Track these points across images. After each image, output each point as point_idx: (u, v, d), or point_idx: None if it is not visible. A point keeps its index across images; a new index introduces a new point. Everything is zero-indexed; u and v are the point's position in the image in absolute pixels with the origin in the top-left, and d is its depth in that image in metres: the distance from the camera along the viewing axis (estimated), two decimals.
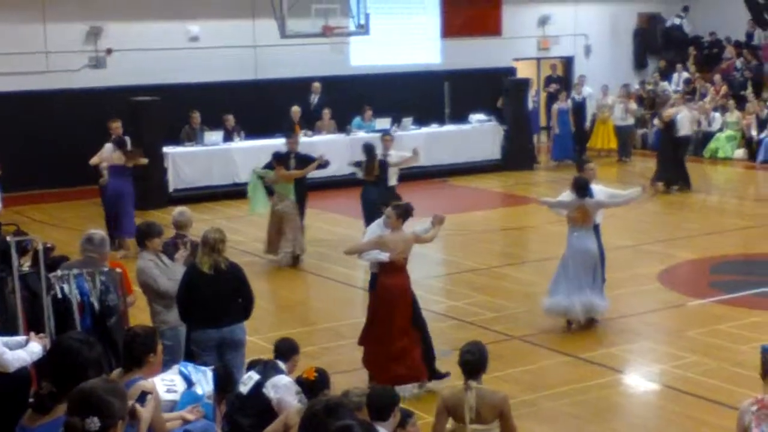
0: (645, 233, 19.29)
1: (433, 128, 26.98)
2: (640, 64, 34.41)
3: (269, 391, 8.44)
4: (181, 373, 7.37)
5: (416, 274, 11.67)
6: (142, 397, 5.77)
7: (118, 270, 10.23)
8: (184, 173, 23.51)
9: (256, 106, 25.98)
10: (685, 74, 32.11)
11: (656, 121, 27.52)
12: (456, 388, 8.00)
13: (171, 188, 23.26)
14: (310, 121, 25.27)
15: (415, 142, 22.96)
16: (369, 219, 17.42)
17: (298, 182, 17.50)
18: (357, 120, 25.90)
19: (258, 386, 8.50)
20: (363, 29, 24.18)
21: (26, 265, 9.83)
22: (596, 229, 13.59)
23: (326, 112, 25.57)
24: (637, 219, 19.79)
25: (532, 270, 17.06)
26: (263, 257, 17.44)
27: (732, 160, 28.10)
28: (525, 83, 28.76)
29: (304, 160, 17.64)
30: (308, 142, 23.29)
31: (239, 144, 24.29)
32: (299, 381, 8.16)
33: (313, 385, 7.94)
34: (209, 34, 26.48)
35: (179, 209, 12.20)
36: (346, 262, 17.02)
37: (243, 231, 19.30)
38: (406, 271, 11.32)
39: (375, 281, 11.60)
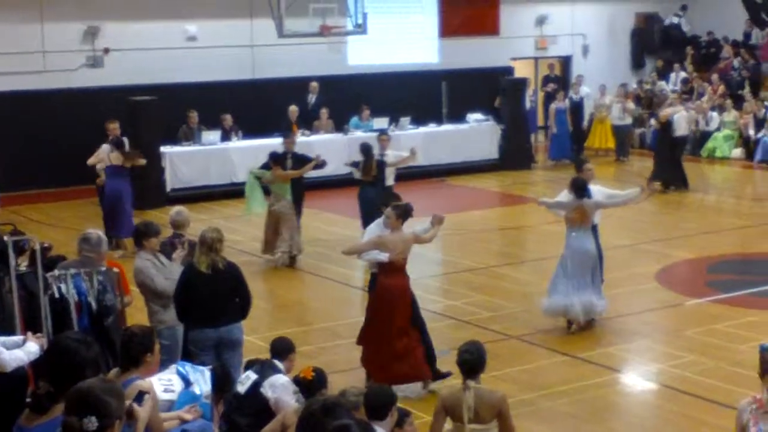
0: (642, 233, 19.29)
1: (431, 128, 26.98)
2: (637, 63, 34.40)
3: (267, 390, 8.44)
4: (179, 373, 7.36)
5: (414, 274, 11.67)
6: (140, 396, 5.77)
7: (116, 270, 10.23)
8: (181, 173, 23.50)
9: (254, 105, 25.98)
10: (683, 74, 32.11)
11: (653, 121, 27.55)
12: (454, 387, 8.00)
13: (168, 188, 23.25)
14: (308, 121, 25.26)
15: (413, 141, 22.95)
16: (366, 219, 17.41)
17: (295, 182, 17.48)
18: (355, 119, 25.90)
19: (255, 386, 8.50)
20: (361, 29, 24.18)
21: (23, 264, 9.82)
22: (594, 229, 13.58)
23: (324, 112, 25.56)
24: (635, 218, 19.79)
25: (530, 269, 17.07)
26: (261, 257, 17.44)
27: (729, 160, 28.11)
28: (522, 83, 28.77)
29: (301, 160, 17.62)
30: (306, 141, 23.28)
31: (237, 143, 24.28)
32: (296, 380, 8.16)
33: (310, 385, 7.93)
34: (207, 34, 26.47)
35: (176, 209, 12.21)
36: (344, 262, 17.02)
37: (241, 230, 19.29)
38: (405, 272, 11.32)
39: (374, 281, 11.61)
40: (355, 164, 18.01)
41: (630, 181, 23.88)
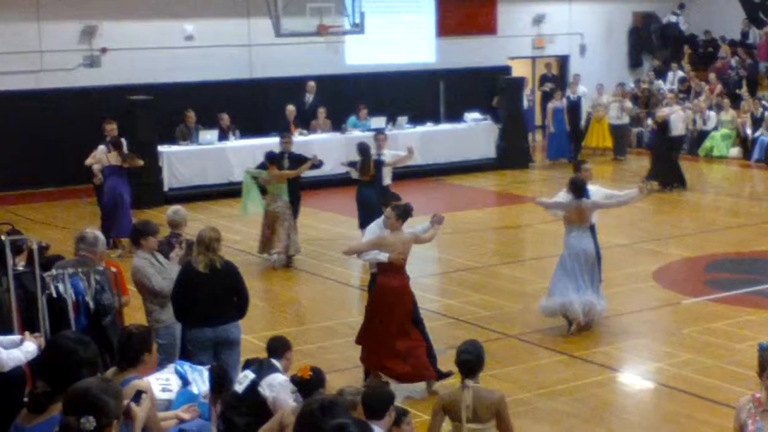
0: (640, 232, 19.31)
1: (429, 127, 26.98)
2: (634, 62, 34.43)
3: (264, 390, 8.43)
4: (177, 372, 7.36)
5: (412, 273, 11.65)
6: (137, 396, 5.76)
7: (113, 269, 10.23)
8: (179, 172, 23.49)
9: (251, 105, 25.99)
10: (680, 73, 32.14)
11: (650, 121, 27.57)
12: (453, 387, 8.00)
13: (166, 187, 23.24)
14: (306, 120, 25.26)
15: (411, 140, 22.93)
16: (364, 219, 17.43)
17: (292, 182, 17.45)
18: (352, 119, 25.90)
19: (253, 385, 8.49)
20: (358, 28, 24.17)
21: (21, 264, 9.81)
22: (592, 229, 13.58)
23: (321, 111, 25.56)
24: (633, 217, 19.80)
25: (528, 268, 17.08)
26: (258, 256, 17.43)
27: (727, 159, 28.14)
28: (520, 82, 28.77)
29: (298, 160, 17.61)
30: (303, 141, 23.31)
31: (234, 143, 24.28)
32: (294, 380, 8.15)
33: (307, 384, 7.92)
34: (204, 33, 26.47)
35: (174, 208, 12.20)
36: (341, 261, 17.03)
37: (238, 230, 19.30)
38: (405, 272, 11.31)
39: (374, 281, 11.60)
40: (352, 164, 18.00)
41: (627, 180, 23.90)
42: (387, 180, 18.19)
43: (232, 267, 10.23)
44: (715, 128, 28.72)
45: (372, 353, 11.34)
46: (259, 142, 22.57)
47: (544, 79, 31.50)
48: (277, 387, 8.40)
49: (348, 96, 26.68)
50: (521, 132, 27.80)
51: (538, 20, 32.21)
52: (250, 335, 12.13)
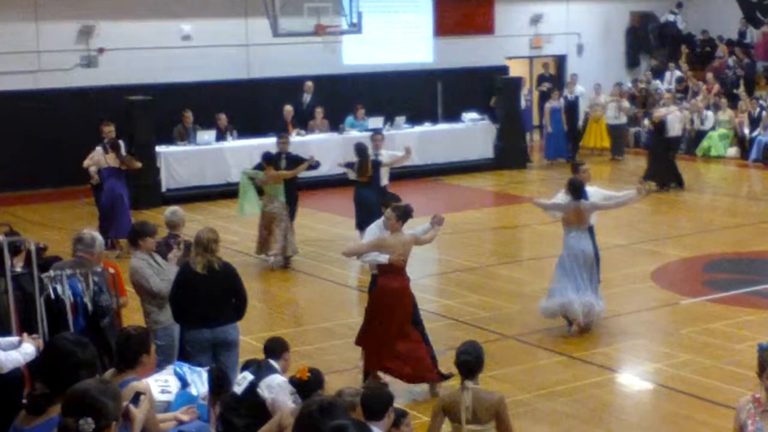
0: (638, 232, 19.31)
1: (426, 127, 26.97)
2: (632, 62, 34.44)
3: (263, 391, 8.42)
4: (176, 374, 7.35)
5: (410, 274, 11.63)
6: (136, 397, 5.75)
7: (111, 270, 10.21)
8: (177, 173, 23.47)
9: (249, 105, 25.98)
10: (678, 73, 32.15)
11: (646, 122, 27.57)
12: (453, 388, 8.00)
13: (164, 188, 23.22)
14: (303, 121, 25.25)
15: (408, 140, 22.93)
16: (362, 219, 17.43)
17: (289, 183, 17.41)
18: (350, 119, 25.89)
19: (252, 386, 8.48)
20: (355, 28, 24.16)
21: (19, 265, 9.79)
22: (591, 230, 13.56)
23: (319, 111, 25.55)
24: (631, 218, 19.80)
25: (526, 269, 17.08)
26: (256, 257, 17.42)
27: (724, 159, 28.15)
28: (518, 82, 28.75)
29: (295, 161, 17.58)
30: (301, 141, 23.30)
31: (232, 143, 24.25)
32: (292, 381, 8.14)
33: (306, 385, 7.91)
34: (201, 33, 26.45)
35: (171, 209, 12.19)
36: (339, 262, 17.02)
37: (236, 231, 19.28)
38: (405, 273, 11.30)
39: (374, 282, 11.59)
40: (349, 165, 17.98)
41: (625, 180, 23.92)
42: (384, 180, 18.17)
43: (231, 268, 10.22)
44: (713, 128, 28.73)
45: (372, 354, 11.33)
46: (257, 143, 22.55)
47: (541, 78, 31.49)
48: (276, 388, 8.39)
49: (345, 96, 26.68)
50: (519, 132, 27.79)
51: (536, 20, 32.22)
52: (248, 336, 12.11)
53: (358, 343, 11.59)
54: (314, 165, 17.78)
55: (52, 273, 9.64)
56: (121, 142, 18.64)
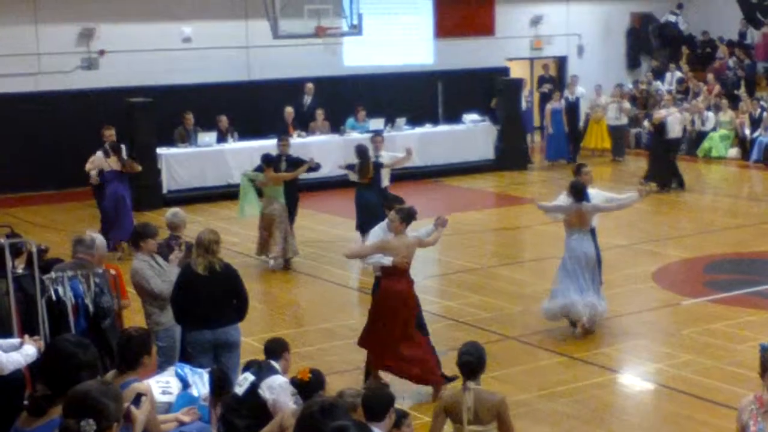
0: (639, 233, 19.31)
1: (427, 128, 26.97)
2: (633, 63, 34.43)
3: (264, 391, 8.42)
4: (178, 375, 7.35)
5: (411, 275, 11.63)
6: (137, 399, 5.75)
7: (113, 272, 10.22)
8: (177, 175, 23.47)
9: (250, 107, 25.99)
10: (678, 73, 32.14)
11: (646, 123, 27.56)
12: (454, 389, 8.01)
13: (165, 190, 23.22)
14: (304, 122, 25.26)
15: (409, 142, 22.92)
16: (364, 221, 17.45)
17: (289, 185, 17.39)
18: (350, 120, 25.89)
19: (253, 387, 8.48)
20: (356, 29, 24.15)
21: (20, 267, 9.80)
22: (593, 232, 13.55)
23: (320, 113, 25.55)
24: (632, 218, 19.79)
25: (527, 270, 17.08)
26: (257, 258, 17.42)
27: (725, 160, 28.13)
28: (518, 83, 28.74)
29: (295, 163, 17.57)
30: (302, 143, 23.32)
31: (233, 145, 24.25)
32: (293, 382, 8.14)
33: (307, 386, 7.91)
34: (202, 35, 26.45)
35: (172, 210, 12.21)
36: (340, 264, 17.03)
37: (237, 232, 19.29)
38: (409, 275, 11.30)
39: (378, 284, 11.59)
40: (350, 167, 17.97)
41: (626, 181, 23.93)
42: (385, 182, 18.18)
43: (232, 269, 10.23)
44: (714, 129, 28.72)
45: (375, 356, 11.32)
46: (258, 144, 22.56)
47: (542, 80, 31.50)
48: (277, 389, 8.39)
49: (346, 98, 26.69)
50: (520, 133, 27.79)
51: (536, 21, 32.21)
52: (249, 338, 12.11)
53: (361, 344, 11.57)
54: (314, 167, 17.77)
55: (53, 275, 9.65)
56: (123, 146, 18.67)
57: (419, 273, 15.71)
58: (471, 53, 30.15)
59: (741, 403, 6.81)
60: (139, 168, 18.69)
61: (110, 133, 18.67)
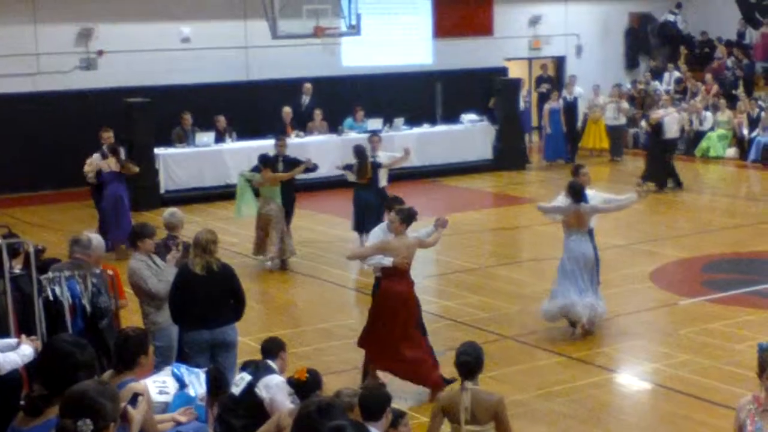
0: (637, 232, 19.30)
1: (425, 128, 26.96)
2: (631, 63, 34.43)
3: (261, 390, 8.43)
4: (174, 375, 7.35)
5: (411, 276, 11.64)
6: (134, 398, 5.76)
7: (110, 272, 10.23)
8: (175, 175, 23.47)
9: (248, 107, 25.97)
10: (677, 73, 32.14)
11: (643, 123, 27.56)
12: (452, 389, 8.01)
13: (163, 189, 23.21)
14: (302, 122, 25.25)
15: (407, 142, 22.93)
16: (363, 221, 17.46)
17: (286, 186, 17.36)
18: (349, 120, 25.88)
19: (250, 387, 8.48)
20: (354, 30, 24.14)
21: (18, 267, 9.80)
22: (591, 233, 13.54)
23: (318, 113, 25.54)
24: (629, 218, 19.76)
25: (525, 270, 17.08)
26: (255, 258, 17.41)
27: (723, 159, 28.14)
28: (516, 83, 28.75)
29: (292, 164, 17.54)
30: (300, 143, 23.33)
31: (231, 145, 24.23)
32: (290, 382, 8.14)
33: (304, 386, 7.92)
34: (200, 35, 26.45)
35: (170, 210, 12.21)
36: (338, 264, 17.03)
37: (235, 232, 19.28)
38: (409, 276, 11.30)
39: (378, 285, 11.59)
40: (348, 167, 17.96)
41: (624, 181, 23.92)
42: (383, 182, 18.17)
43: (229, 269, 10.23)
44: (712, 129, 28.73)
45: (375, 357, 11.30)
46: (256, 144, 22.52)
47: (540, 80, 31.48)
48: (274, 388, 8.39)
49: (345, 98, 26.68)
50: (518, 133, 27.79)
51: (535, 21, 32.21)
52: (247, 337, 12.11)
53: (361, 344, 11.57)
54: (311, 168, 17.74)
55: (50, 275, 9.65)
56: (122, 149, 18.67)
57: (417, 273, 15.69)
58: (469, 53, 30.15)
59: (739, 403, 6.82)
60: (137, 170, 18.67)
61: (108, 136, 18.69)
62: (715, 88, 30.27)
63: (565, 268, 13.19)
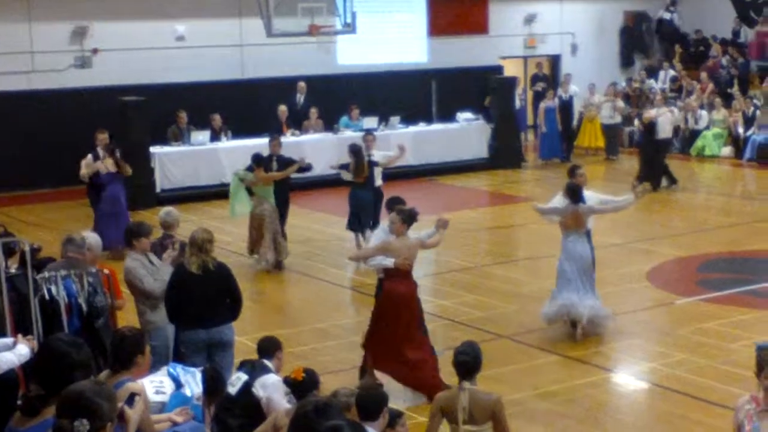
0: (633, 231, 19.30)
1: (421, 127, 26.97)
2: (626, 62, 34.45)
3: (258, 390, 8.42)
4: (170, 375, 7.33)
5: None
6: (131, 398, 5.75)
7: (106, 271, 10.21)
8: (171, 173, 23.45)
9: (243, 105, 25.95)
10: (672, 72, 32.16)
11: (636, 122, 27.58)
12: (450, 389, 8.01)
13: (158, 188, 23.20)
14: (297, 121, 25.23)
15: (403, 140, 22.83)
16: (357, 221, 17.45)
17: (280, 185, 17.28)
18: (344, 119, 25.87)
19: (246, 386, 8.48)
20: (350, 28, 24.14)
21: (13, 266, 9.78)
22: (587, 234, 13.51)
23: (313, 112, 25.52)
24: (625, 217, 19.70)
25: (521, 269, 17.07)
26: (250, 257, 17.38)
27: (719, 158, 28.15)
28: (512, 82, 28.78)
29: (286, 163, 17.46)
30: (295, 141, 23.31)
31: (226, 144, 24.22)
32: (287, 381, 8.13)
33: (301, 386, 7.91)
34: (195, 34, 26.43)
35: (166, 209, 12.20)
36: (334, 263, 17.03)
37: (230, 231, 19.25)
38: (411, 277, 11.29)
39: (380, 286, 11.56)
40: (343, 166, 17.92)
41: (620, 180, 23.92)
42: (378, 181, 18.15)
43: (225, 268, 10.22)
44: (707, 127, 28.74)
45: (378, 358, 11.27)
46: (252, 143, 22.47)
47: (535, 78, 31.50)
48: (271, 387, 8.39)
49: (340, 96, 26.66)
50: (513, 132, 27.80)
51: (530, 20, 32.22)
52: (243, 337, 12.08)
53: (365, 347, 11.50)
54: (305, 167, 17.65)
55: (46, 274, 9.63)
56: (118, 151, 18.65)
57: (414, 272, 15.70)
58: (465, 52, 30.15)
59: (737, 403, 6.82)
60: (130, 171, 18.57)
61: (103, 137, 18.64)
62: (710, 86, 30.28)
63: (564, 270, 13.14)
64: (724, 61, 31.99)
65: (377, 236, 11.84)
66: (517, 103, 29.02)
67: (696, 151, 28.52)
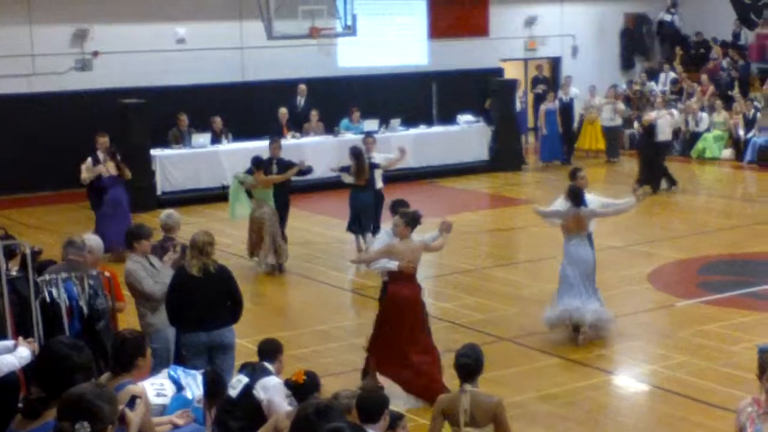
0: (634, 234, 19.28)
1: (421, 129, 26.97)
2: (627, 64, 34.44)
3: (259, 392, 8.42)
4: (171, 377, 7.33)
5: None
6: (132, 401, 5.74)
7: (107, 274, 10.21)
8: (172, 176, 23.45)
9: (244, 108, 25.94)
10: (672, 74, 32.16)
11: (636, 125, 27.57)
12: (452, 392, 8.01)
13: (159, 191, 23.20)
14: (298, 123, 25.23)
15: (403, 143, 22.85)
16: (358, 223, 17.44)
17: (280, 188, 17.26)
18: (345, 121, 25.86)
19: (247, 389, 8.47)
20: (350, 30, 24.15)
21: (14, 269, 9.78)
22: (589, 237, 13.49)
23: (314, 114, 25.52)
24: (626, 220, 19.70)
25: (522, 271, 17.06)
26: (251, 260, 17.37)
27: (719, 160, 28.13)
28: (512, 84, 28.77)
29: (286, 166, 17.44)
30: (296, 144, 23.31)
31: (227, 146, 24.21)
32: (288, 384, 8.14)
33: (302, 388, 7.91)
34: (196, 36, 26.44)
35: (167, 212, 12.21)
36: (335, 265, 17.03)
37: (231, 234, 19.24)
38: (416, 280, 11.26)
39: (384, 289, 11.56)
40: (344, 169, 17.90)
41: (621, 182, 23.92)
42: (379, 183, 18.15)
43: (226, 271, 10.22)
44: (708, 130, 28.73)
45: (382, 362, 11.25)
46: (252, 146, 22.49)
47: (536, 81, 31.50)
48: (272, 389, 8.39)
49: (340, 98, 26.67)
50: (514, 134, 27.79)
51: (530, 22, 32.21)
52: (244, 339, 12.08)
53: (370, 351, 11.48)
54: (305, 170, 17.64)
55: (47, 277, 9.63)
56: (118, 156, 18.67)
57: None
58: (465, 54, 30.14)
59: (739, 406, 6.81)
60: (129, 175, 18.56)
61: (104, 141, 18.63)
62: (710, 88, 30.27)
63: (566, 274, 13.12)
64: (725, 63, 31.98)
65: (381, 239, 11.84)
66: (518, 106, 29.01)
67: (696, 153, 28.51)
